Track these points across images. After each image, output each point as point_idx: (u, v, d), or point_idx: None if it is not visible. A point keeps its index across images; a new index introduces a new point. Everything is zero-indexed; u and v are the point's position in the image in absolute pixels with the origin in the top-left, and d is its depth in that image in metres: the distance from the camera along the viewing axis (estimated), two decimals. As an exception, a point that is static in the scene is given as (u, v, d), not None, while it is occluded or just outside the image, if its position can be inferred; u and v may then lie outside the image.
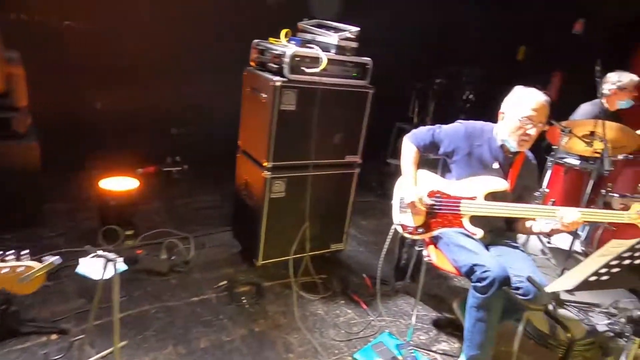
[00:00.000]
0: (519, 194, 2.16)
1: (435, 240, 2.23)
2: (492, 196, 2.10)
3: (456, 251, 2.04)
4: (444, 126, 2.25)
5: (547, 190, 3.39)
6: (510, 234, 2.22)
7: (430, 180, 2.26)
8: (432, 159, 2.38)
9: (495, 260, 1.90)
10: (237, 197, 2.83)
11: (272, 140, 2.38)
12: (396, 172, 2.36)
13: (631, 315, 2.65)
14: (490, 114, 2.23)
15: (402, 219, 2.30)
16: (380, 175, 4.44)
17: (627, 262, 1.38)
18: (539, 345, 2.39)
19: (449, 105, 5.05)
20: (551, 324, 2.53)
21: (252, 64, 2.61)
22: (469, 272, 1.94)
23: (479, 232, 2.08)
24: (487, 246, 2.15)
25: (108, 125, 3.69)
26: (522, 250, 2.10)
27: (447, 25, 5.17)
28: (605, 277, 1.43)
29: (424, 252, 2.23)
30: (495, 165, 2.12)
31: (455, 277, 2.88)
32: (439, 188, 2.21)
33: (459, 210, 2.13)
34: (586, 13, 5.83)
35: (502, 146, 2.12)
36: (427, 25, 5.06)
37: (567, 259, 2.98)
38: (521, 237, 3.43)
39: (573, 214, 1.84)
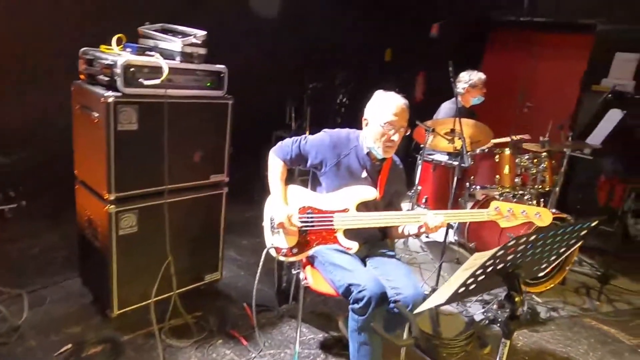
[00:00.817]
0: (389, 200, 2.10)
1: (311, 260, 2.06)
2: (364, 206, 2.00)
3: (332, 270, 1.89)
4: (310, 137, 2.10)
5: (419, 187, 3.50)
6: (385, 242, 2.16)
7: (301, 196, 2.09)
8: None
9: (370, 277, 1.79)
10: (82, 237, 2.35)
11: (111, 167, 1.98)
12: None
13: (501, 299, 2.82)
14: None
15: (275, 240, 2.09)
16: (263, 187, 4.21)
17: (490, 269, 1.34)
18: (426, 347, 2.38)
19: (325, 110, 5.04)
20: (433, 323, 2.56)
21: (81, 77, 2.17)
22: (346, 293, 1.80)
23: (354, 246, 1.97)
24: (364, 258, 2.05)
25: None
26: (397, 259, 2.04)
27: (318, 30, 5.15)
28: (472, 286, 1.39)
29: (301, 275, 2.05)
30: (364, 174, 2.03)
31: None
32: (310, 203, 2.05)
33: (333, 225, 1.99)
34: (441, 16, 6.35)
35: (369, 153, 2.03)
36: (299, 30, 4.99)
37: (443, 251, 3.07)
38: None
39: (437, 218, 1.82)
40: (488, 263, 1.30)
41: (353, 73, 5.30)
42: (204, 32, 2.13)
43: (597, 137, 3.58)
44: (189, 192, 2.33)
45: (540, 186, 3.19)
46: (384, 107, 1.93)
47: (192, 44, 2.09)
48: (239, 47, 4.16)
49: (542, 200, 3.39)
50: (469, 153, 2.56)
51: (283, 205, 2.02)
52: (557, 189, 3.42)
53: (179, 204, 2.28)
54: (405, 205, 2.38)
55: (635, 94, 4.67)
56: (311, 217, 2.02)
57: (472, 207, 3.48)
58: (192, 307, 2.40)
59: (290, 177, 2.19)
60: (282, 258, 2.08)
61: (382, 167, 2.05)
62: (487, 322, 2.66)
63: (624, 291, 3.31)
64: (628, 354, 2.56)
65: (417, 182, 3.37)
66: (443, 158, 3.56)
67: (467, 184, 3.31)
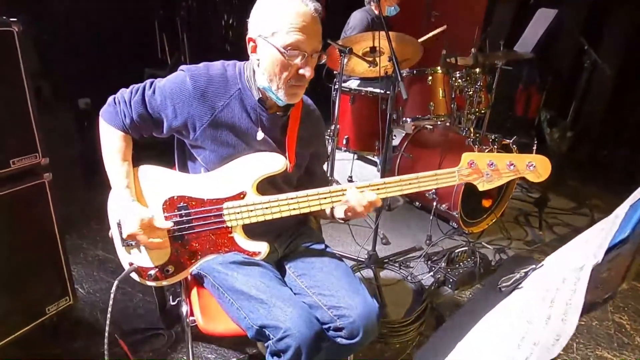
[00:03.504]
0: (306, 167, 1.38)
1: (199, 280, 1.31)
2: (269, 184, 1.26)
3: (233, 301, 1.17)
4: (160, 82, 1.23)
5: (337, 126, 2.80)
6: (309, 227, 1.46)
7: (165, 181, 1.27)
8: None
9: (296, 311, 1.10)
10: None
11: None
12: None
13: (449, 255, 2.38)
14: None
15: (135, 257, 1.29)
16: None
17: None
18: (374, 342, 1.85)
19: (207, 37, 3.97)
20: (376, 301, 2.02)
21: None
22: (259, 337, 1.11)
23: (262, 249, 1.25)
24: (280, 262, 1.35)
25: None
26: (331, 253, 1.36)
27: None
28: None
29: (184, 309, 1.30)
30: (259, 134, 1.25)
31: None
32: (182, 192, 1.24)
33: (224, 222, 1.23)
34: None
35: (263, 100, 1.24)
36: None
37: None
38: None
39: (363, 196, 1.17)
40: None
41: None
42: None
43: (526, 43, 3.12)
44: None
45: (476, 109, 2.68)
46: (283, 18, 1.11)
47: None
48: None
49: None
50: (403, 82, 1.86)
51: (132, 202, 1.20)
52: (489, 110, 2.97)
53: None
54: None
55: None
56: (187, 214, 1.24)
57: (402, 143, 2.92)
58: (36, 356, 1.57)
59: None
60: (150, 283, 1.30)
61: (288, 119, 1.28)
62: (436, 285, 2.20)
63: (559, 212, 3.10)
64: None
65: (336, 119, 2.64)
66: (362, 87, 2.88)
67: (395, 115, 2.69)
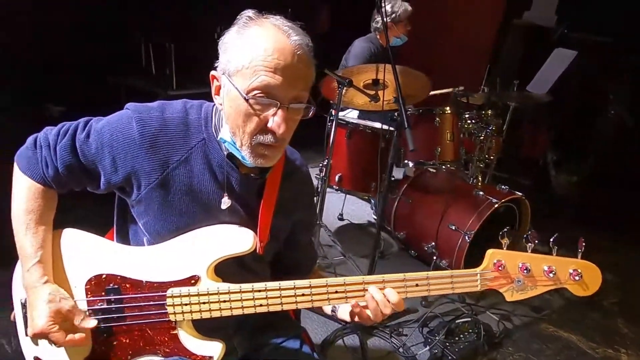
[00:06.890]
0: (285, 242, 1.07)
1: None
2: (233, 261, 0.95)
3: None
4: (98, 123, 0.93)
5: (330, 162, 2.50)
6: (284, 316, 1.15)
7: (93, 252, 0.95)
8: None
9: None
10: None
11: None
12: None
13: (448, 326, 2.06)
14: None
15: (42, 350, 0.96)
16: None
17: None
18: None
19: (200, 46, 3.68)
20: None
21: None
22: None
23: (215, 351, 0.94)
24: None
25: None
26: (308, 355, 1.05)
27: None
28: None
29: None
30: (225, 201, 0.94)
31: None
32: (114, 269, 0.93)
33: (166, 315, 0.92)
34: None
35: (234, 155, 0.93)
36: None
37: (373, 263, 2.20)
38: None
39: (386, 297, 0.87)
40: None
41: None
42: None
43: (541, 84, 2.88)
44: None
45: (486, 155, 2.41)
46: (252, 52, 0.81)
47: None
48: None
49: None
50: (410, 130, 1.58)
51: (44, 285, 0.89)
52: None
53: None
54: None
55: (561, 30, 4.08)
56: (118, 300, 0.92)
57: (400, 185, 2.62)
58: None
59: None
60: (61, 387, 0.97)
61: (264, 182, 0.98)
62: (433, 360, 1.89)
63: (568, 271, 2.81)
64: (601, 374, 2.01)
65: (330, 154, 2.34)
66: (362, 118, 2.61)
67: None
